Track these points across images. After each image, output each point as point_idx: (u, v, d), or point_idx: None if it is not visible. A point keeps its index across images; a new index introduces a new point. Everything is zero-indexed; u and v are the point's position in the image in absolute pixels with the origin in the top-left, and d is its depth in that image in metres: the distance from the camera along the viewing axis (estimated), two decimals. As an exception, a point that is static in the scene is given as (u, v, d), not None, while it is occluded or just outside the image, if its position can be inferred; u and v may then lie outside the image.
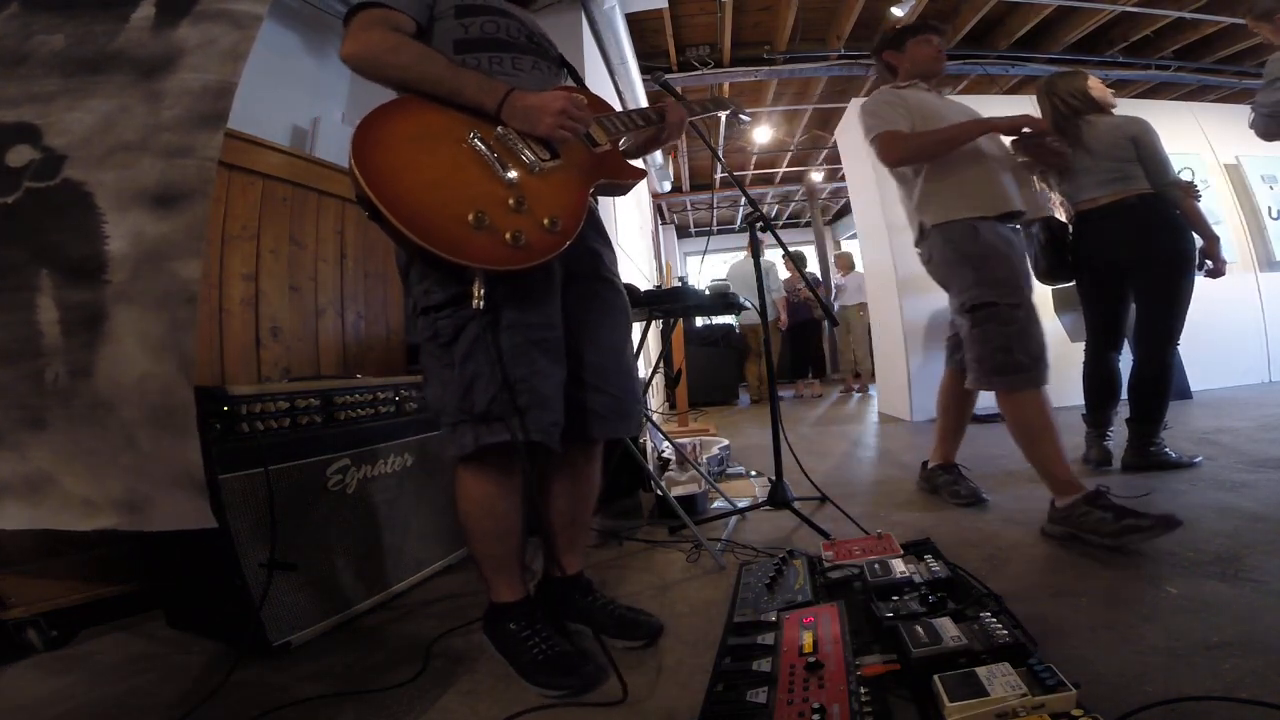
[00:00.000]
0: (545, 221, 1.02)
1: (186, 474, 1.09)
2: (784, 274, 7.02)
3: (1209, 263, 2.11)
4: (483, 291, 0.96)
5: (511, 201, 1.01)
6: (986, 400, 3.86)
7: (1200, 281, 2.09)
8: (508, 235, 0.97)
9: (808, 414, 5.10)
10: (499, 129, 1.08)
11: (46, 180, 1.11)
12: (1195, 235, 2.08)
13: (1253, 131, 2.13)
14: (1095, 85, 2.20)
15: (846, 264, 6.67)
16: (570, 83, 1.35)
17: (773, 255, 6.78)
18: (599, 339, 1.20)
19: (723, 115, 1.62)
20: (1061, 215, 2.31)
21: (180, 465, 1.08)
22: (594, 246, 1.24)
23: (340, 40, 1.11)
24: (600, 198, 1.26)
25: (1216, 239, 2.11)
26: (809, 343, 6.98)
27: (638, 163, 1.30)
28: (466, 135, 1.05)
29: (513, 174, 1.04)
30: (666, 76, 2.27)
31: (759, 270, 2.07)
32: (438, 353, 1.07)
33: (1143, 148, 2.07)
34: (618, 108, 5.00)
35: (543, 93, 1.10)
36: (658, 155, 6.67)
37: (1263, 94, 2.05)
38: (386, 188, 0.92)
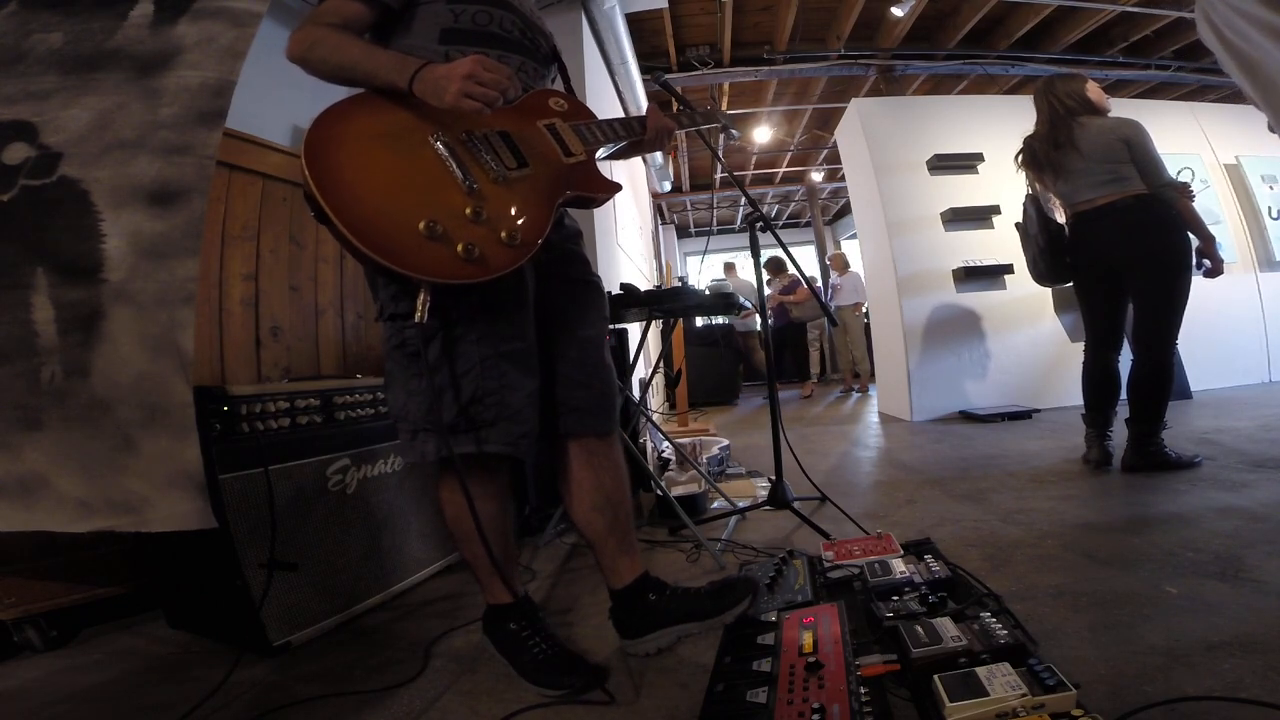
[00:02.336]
0: (503, 235, 0.94)
1: (186, 474, 1.08)
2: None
3: (1206, 262, 2.11)
4: (427, 304, 0.90)
5: (469, 211, 0.93)
6: (987, 400, 3.89)
7: (1200, 282, 2.09)
8: (460, 248, 0.89)
9: (808, 414, 5.10)
10: (464, 133, 1.01)
11: (42, 178, 1.11)
12: (1191, 235, 2.08)
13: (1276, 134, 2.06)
14: (1093, 88, 2.21)
15: (841, 264, 6.66)
16: (559, 85, 1.31)
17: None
18: (582, 334, 1.18)
19: (712, 128, 1.51)
20: (1060, 216, 2.31)
21: (179, 466, 1.08)
22: (572, 248, 1.22)
23: None
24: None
25: (1212, 239, 2.11)
26: (787, 346, 6.94)
27: (606, 169, 1.24)
28: (429, 136, 0.97)
29: (474, 181, 0.96)
30: (666, 76, 2.27)
31: (759, 270, 2.06)
32: (404, 361, 1.03)
33: (1135, 149, 2.07)
34: (617, 108, 4.91)
35: (454, 61, 0.98)
36: (658, 155, 6.66)
37: None
38: (335, 189, 0.86)
